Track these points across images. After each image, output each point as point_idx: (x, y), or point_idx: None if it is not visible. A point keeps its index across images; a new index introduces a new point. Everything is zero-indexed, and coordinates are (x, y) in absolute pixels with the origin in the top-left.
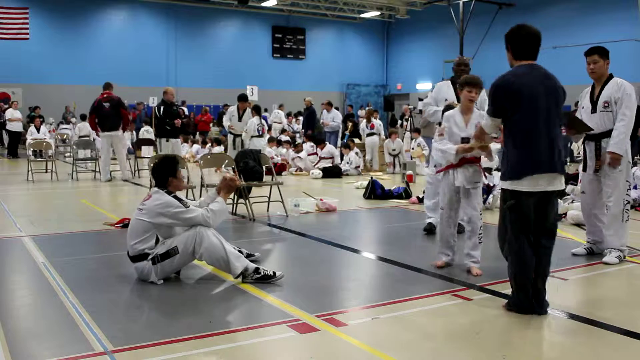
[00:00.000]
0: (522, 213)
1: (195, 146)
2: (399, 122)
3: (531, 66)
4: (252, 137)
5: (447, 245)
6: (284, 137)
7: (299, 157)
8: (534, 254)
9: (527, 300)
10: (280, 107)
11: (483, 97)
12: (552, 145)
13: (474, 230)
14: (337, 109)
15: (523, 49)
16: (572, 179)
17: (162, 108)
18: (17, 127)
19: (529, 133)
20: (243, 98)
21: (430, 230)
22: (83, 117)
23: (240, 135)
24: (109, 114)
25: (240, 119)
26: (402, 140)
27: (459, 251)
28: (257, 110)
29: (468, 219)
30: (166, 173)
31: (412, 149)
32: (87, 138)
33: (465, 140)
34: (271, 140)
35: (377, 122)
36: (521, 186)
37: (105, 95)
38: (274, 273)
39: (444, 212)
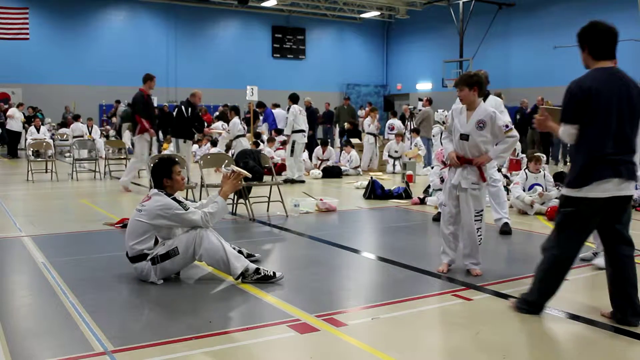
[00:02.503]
0: (580, 221)
1: (195, 146)
2: (399, 122)
3: (608, 70)
4: (237, 136)
5: (447, 243)
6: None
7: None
8: (617, 264)
9: (543, 303)
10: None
11: (497, 106)
12: (622, 153)
13: (469, 233)
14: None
15: (602, 48)
16: None
17: (189, 110)
18: (17, 127)
19: (598, 140)
20: (291, 97)
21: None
22: (75, 118)
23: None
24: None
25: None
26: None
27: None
28: (236, 111)
29: (463, 221)
30: (160, 174)
31: (410, 149)
32: (82, 138)
33: (464, 136)
34: (270, 140)
35: (367, 122)
36: (583, 193)
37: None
38: (274, 273)
39: (445, 208)
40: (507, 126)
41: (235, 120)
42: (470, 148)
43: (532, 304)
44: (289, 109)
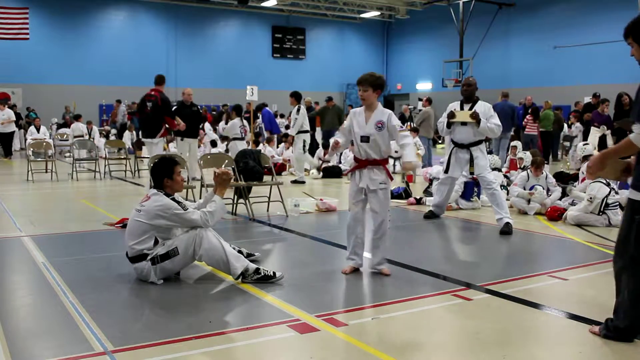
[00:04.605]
0: None
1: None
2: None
3: None
4: (232, 139)
5: (353, 247)
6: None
7: None
8: None
9: (637, 330)
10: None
11: (485, 110)
12: None
13: (381, 234)
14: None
15: None
16: (571, 179)
17: (174, 107)
18: (9, 128)
19: None
20: (292, 95)
21: (429, 216)
22: (76, 117)
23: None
24: (147, 116)
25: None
26: None
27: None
28: (238, 111)
29: (376, 221)
30: (161, 174)
31: None
32: (82, 138)
33: (364, 138)
34: (270, 140)
35: None
36: None
37: (151, 93)
38: (274, 273)
39: (351, 212)
40: (401, 126)
41: (236, 121)
42: (371, 149)
43: (619, 331)
44: (299, 110)
